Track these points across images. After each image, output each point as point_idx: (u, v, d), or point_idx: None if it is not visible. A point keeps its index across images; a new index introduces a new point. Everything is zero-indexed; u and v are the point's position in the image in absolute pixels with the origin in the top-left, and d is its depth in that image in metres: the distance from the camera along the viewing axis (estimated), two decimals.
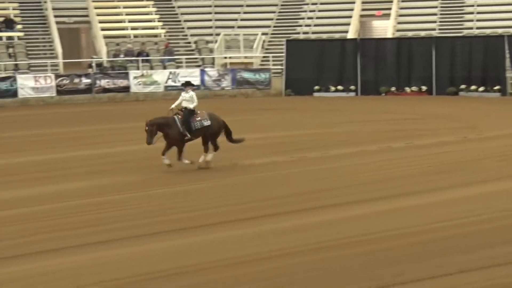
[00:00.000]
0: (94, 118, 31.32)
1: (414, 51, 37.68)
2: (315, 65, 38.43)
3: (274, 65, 40.03)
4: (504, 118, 28.45)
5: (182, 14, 43.85)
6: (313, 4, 43.44)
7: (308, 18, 43.00)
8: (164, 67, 39.37)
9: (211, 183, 17.80)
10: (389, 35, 40.66)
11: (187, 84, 20.29)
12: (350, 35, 40.78)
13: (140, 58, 39.26)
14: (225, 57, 41.23)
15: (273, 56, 40.33)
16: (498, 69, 36.28)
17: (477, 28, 40.48)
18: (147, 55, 39.76)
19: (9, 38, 40.13)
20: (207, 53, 41.40)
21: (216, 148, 19.60)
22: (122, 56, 39.53)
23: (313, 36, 41.46)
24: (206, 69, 39.33)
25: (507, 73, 36.18)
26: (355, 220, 14.17)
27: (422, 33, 40.20)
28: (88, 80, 37.62)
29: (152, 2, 44.20)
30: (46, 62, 38.85)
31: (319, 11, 43.27)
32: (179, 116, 19.37)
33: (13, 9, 42.41)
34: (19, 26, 40.93)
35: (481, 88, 36.30)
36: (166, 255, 12.24)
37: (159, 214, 14.90)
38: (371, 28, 45.26)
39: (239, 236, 13.24)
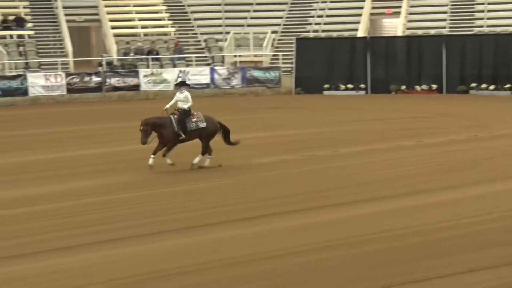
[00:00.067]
0: (104, 117, 31.35)
1: (424, 50, 37.50)
2: (325, 63, 38.30)
3: (284, 63, 39.93)
4: None
5: (192, 12, 43.86)
6: (323, 2, 43.39)
7: (318, 16, 42.95)
8: (174, 66, 39.34)
9: (223, 181, 17.81)
10: (399, 33, 40.56)
11: (182, 84, 20.26)
12: (360, 33, 40.69)
13: (150, 57, 39.24)
14: (235, 56, 41.19)
15: (283, 55, 40.24)
16: (508, 68, 36.07)
17: (488, 26, 40.35)
18: (157, 54, 39.78)
19: (20, 36, 40.20)
20: (217, 51, 41.38)
21: (206, 150, 19.31)
22: (132, 54, 39.55)
23: (323, 35, 41.39)
24: (216, 68, 39.33)
25: None
26: (364, 218, 14.16)
27: (432, 31, 40.08)
28: (98, 79, 37.66)
29: (162, 0, 44.19)
30: (57, 61, 38.88)
31: (329, 9, 43.23)
32: (175, 116, 19.24)
33: (24, 7, 42.52)
34: (29, 25, 41.00)
35: (492, 87, 36.15)
36: (175, 254, 12.23)
37: (172, 212, 14.93)
38: (381, 26, 45.22)
39: (242, 235, 13.24)
